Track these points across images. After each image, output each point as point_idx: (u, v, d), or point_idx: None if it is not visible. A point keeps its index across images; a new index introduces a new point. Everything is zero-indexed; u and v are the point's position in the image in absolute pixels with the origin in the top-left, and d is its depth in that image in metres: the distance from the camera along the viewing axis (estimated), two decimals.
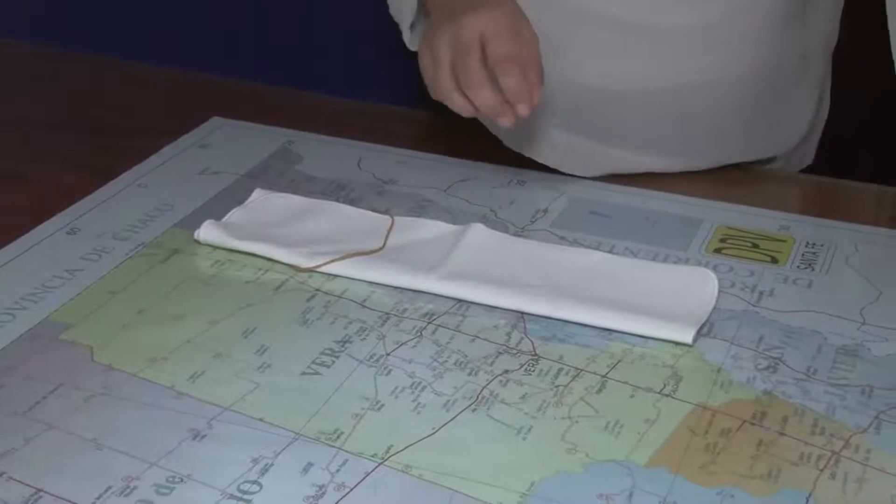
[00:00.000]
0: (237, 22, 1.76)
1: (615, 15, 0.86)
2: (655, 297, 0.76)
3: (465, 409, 0.67)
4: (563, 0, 0.88)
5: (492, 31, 0.78)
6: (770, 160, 0.98)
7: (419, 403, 0.68)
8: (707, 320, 0.74)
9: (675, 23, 0.87)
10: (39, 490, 0.61)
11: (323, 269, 0.80)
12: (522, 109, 0.78)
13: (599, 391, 0.69)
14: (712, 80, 0.89)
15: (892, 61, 0.80)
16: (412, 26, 0.91)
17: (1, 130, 1.07)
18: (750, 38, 0.89)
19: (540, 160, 0.92)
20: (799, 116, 0.97)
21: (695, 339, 0.73)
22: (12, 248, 0.84)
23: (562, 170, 0.92)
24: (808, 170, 1.02)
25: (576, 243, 0.84)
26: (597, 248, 0.83)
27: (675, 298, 0.76)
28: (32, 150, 1.02)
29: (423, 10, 0.89)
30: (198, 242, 0.84)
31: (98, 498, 0.60)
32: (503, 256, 0.81)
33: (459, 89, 0.79)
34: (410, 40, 0.91)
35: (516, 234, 0.85)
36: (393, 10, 0.93)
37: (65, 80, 1.18)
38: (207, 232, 0.84)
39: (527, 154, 0.93)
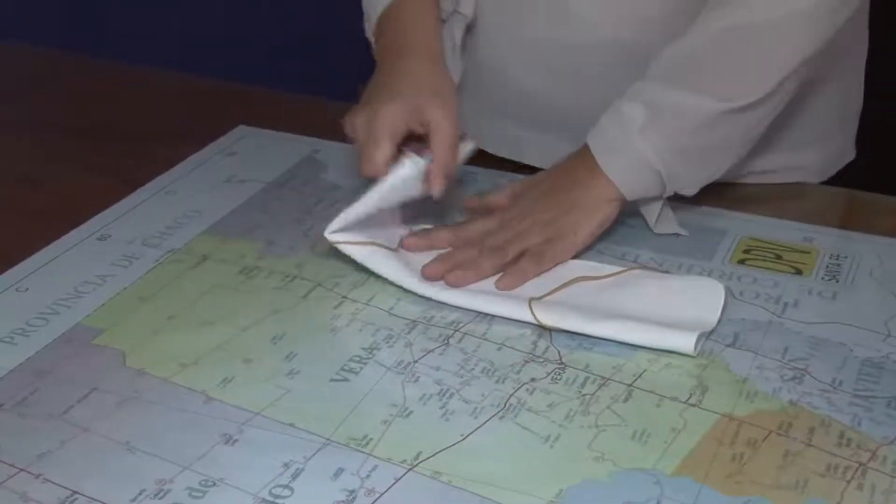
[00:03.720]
0: (264, 30, 1.77)
1: (614, 38, 0.87)
2: (661, 308, 0.76)
3: (492, 417, 0.68)
4: (541, 27, 0.89)
5: (365, 129, 0.81)
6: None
7: (447, 410, 0.69)
8: (714, 330, 0.75)
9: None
10: (75, 492, 0.62)
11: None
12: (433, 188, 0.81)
13: (626, 400, 0.70)
14: None
15: None
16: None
17: (28, 136, 1.08)
18: None
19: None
20: (820, 120, 0.96)
21: (697, 349, 0.73)
22: (44, 253, 0.85)
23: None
24: (845, 178, 1.01)
25: (600, 253, 0.85)
26: (621, 259, 0.84)
27: (681, 310, 0.76)
28: (59, 156, 1.03)
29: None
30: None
31: (132, 500, 0.61)
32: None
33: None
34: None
35: None
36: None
37: (90, 87, 1.20)
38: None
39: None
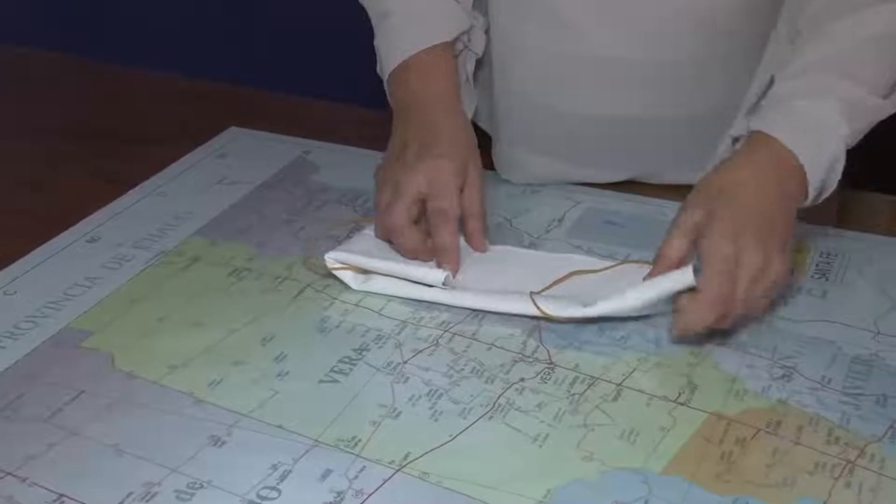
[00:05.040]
0: (254, 31, 1.77)
1: (605, 53, 0.87)
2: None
3: (481, 417, 0.68)
4: (543, 43, 0.89)
5: (429, 187, 0.80)
6: None
7: (436, 411, 0.69)
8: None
9: (677, 57, 0.87)
10: (62, 495, 0.62)
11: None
12: (448, 267, 0.79)
13: (615, 399, 0.70)
14: (719, 108, 0.89)
15: None
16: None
17: (19, 138, 1.08)
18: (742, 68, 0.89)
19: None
20: None
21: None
22: (34, 256, 0.85)
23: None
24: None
25: (591, 252, 0.85)
26: (609, 258, 0.84)
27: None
28: (49, 158, 1.03)
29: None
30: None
31: (120, 503, 0.61)
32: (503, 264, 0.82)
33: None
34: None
35: (531, 244, 0.86)
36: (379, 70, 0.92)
37: (81, 89, 1.20)
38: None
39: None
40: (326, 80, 1.34)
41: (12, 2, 1.81)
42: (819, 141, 0.76)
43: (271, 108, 1.13)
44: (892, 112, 0.79)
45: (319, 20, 1.63)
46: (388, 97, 0.89)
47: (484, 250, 0.83)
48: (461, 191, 0.82)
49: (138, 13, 1.82)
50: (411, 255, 0.81)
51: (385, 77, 0.89)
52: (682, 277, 0.72)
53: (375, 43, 0.90)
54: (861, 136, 0.79)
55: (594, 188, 0.94)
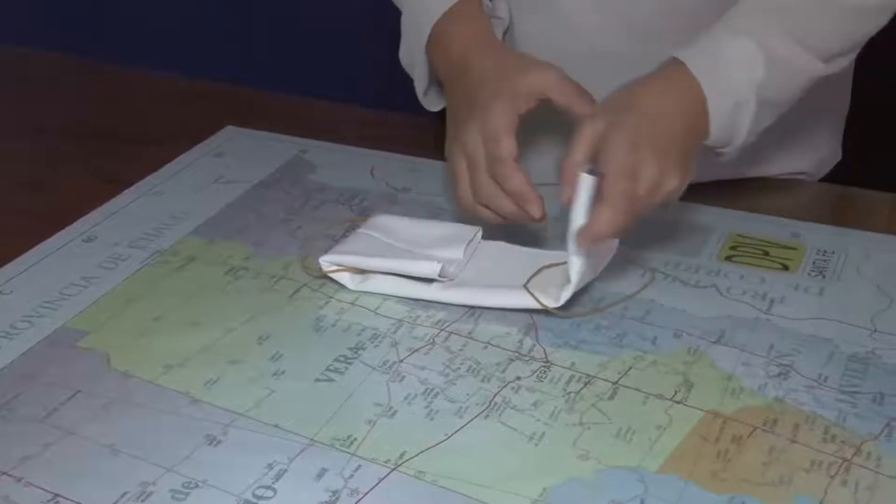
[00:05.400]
0: (251, 31, 1.77)
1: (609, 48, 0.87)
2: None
3: (477, 416, 0.68)
4: (553, 37, 0.88)
5: (483, 135, 0.78)
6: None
7: (432, 410, 0.68)
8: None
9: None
10: (57, 495, 0.62)
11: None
12: (533, 211, 0.77)
13: (611, 398, 0.70)
14: None
15: None
16: (426, 91, 0.90)
17: (17, 138, 1.08)
18: None
19: None
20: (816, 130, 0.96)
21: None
22: (30, 255, 0.85)
23: None
24: (834, 174, 1.01)
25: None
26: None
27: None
28: (47, 158, 1.03)
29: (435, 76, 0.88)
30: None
31: (115, 503, 0.61)
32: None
33: (481, 203, 0.79)
34: (427, 103, 0.91)
35: (530, 243, 0.86)
36: (404, 63, 0.90)
37: (81, 89, 1.20)
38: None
39: None
40: (325, 80, 1.34)
41: (12, 2, 1.81)
42: (728, 78, 0.76)
43: (270, 108, 1.13)
44: (826, 74, 0.78)
45: (318, 20, 1.63)
46: (432, 71, 0.87)
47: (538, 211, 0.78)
48: (516, 126, 0.78)
49: (138, 13, 1.82)
50: (516, 216, 0.78)
51: (423, 45, 0.86)
52: (584, 185, 0.73)
53: (403, 21, 0.88)
54: (789, 95, 0.78)
55: None
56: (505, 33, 0.90)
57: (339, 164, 0.99)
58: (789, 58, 0.76)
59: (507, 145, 0.77)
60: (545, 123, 0.92)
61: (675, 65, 0.76)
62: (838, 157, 1.00)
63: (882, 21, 0.79)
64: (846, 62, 0.81)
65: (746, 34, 0.76)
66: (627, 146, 0.72)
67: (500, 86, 0.79)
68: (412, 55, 0.88)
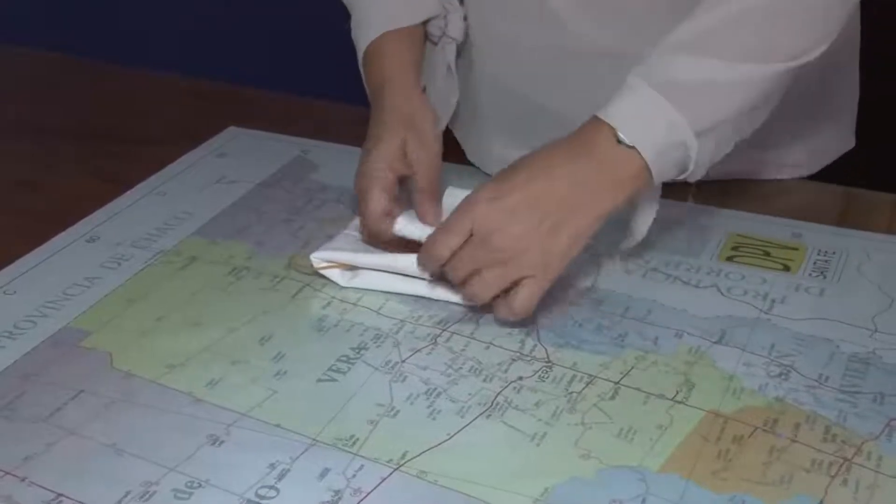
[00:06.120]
0: (254, 30, 1.77)
1: (597, 46, 0.86)
2: None
3: (479, 416, 0.68)
4: (539, 35, 0.88)
5: (387, 177, 0.81)
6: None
7: (434, 410, 0.69)
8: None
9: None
10: (60, 495, 0.62)
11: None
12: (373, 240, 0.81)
13: (612, 398, 0.70)
14: None
15: None
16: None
17: (18, 138, 1.08)
18: None
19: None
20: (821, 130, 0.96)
21: None
22: (33, 255, 0.85)
23: None
24: (840, 173, 1.01)
25: (588, 248, 0.84)
26: (603, 254, 0.83)
27: None
28: (49, 158, 1.03)
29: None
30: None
31: (117, 503, 0.61)
32: None
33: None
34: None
35: None
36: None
37: (81, 88, 1.20)
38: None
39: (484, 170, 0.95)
40: (326, 80, 1.34)
41: (12, 2, 1.81)
42: (647, 125, 0.74)
43: (271, 108, 1.13)
44: (788, 68, 0.75)
45: (319, 20, 1.63)
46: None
47: (434, 221, 0.79)
48: (392, 183, 0.81)
49: (139, 13, 1.82)
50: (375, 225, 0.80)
51: (360, 62, 0.89)
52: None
53: (353, 36, 0.90)
54: (752, 110, 0.75)
55: None
56: (459, 53, 0.91)
57: (341, 164, 0.99)
58: (718, 80, 0.74)
59: (374, 202, 0.80)
60: (525, 117, 0.92)
61: (593, 121, 0.75)
62: (849, 144, 0.99)
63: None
64: (816, 53, 0.76)
65: (643, 84, 0.74)
66: (487, 194, 0.74)
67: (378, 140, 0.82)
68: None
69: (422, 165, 0.82)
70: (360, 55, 0.89)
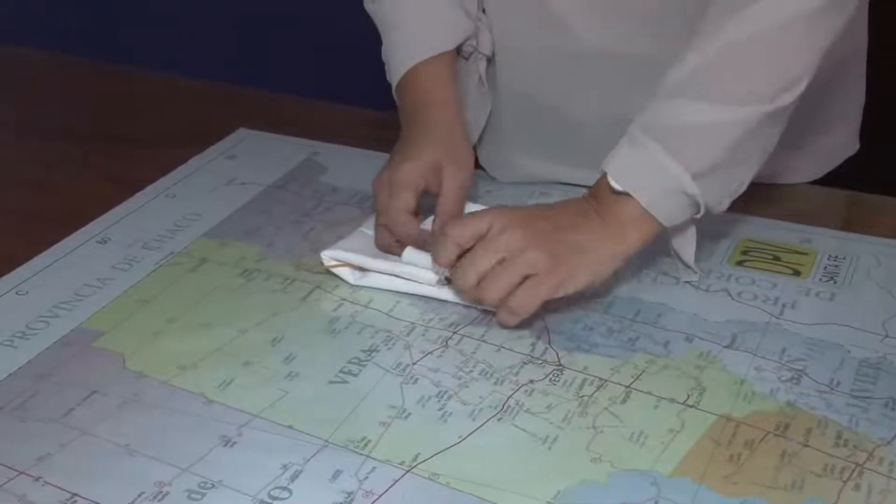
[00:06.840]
0: (265, 33, 1.78)
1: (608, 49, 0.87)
2: None
3: (490, 419, 0.68)
4: (539, 38, 0.89)
5: (417, 180, 0.83)
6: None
7: (445, 412, 0.69)
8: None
9: (667, 54, 0.86)
10: (74, 495, 0.62)
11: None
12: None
13: (624, 401, 0.70)
14: None
15: None
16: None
17: (21, 139, 1.08)
18: None
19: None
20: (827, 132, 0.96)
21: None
22: (45, 256, 0.86)
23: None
24: (847, 177, 1.01)
25: None
26: None
27: None
28: (59, 159, 1.04)
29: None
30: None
31: (131, 503, 0.62)
32: None
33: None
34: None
35: None
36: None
37: (90, 90, 1.20)
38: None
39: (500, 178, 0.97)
40: (337, 82, 1.35)
41: (12, 2, 1.81)
42: (638, 171, 0.76)
43: (280, 110, 1.13)
44: (774, 109, 0.75)
45: (330, 22, 1.63)
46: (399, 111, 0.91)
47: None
48: (421, 190, 0.82)
49: (146, 13, 1.83)
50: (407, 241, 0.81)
51: (393, 89, 0.90)
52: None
53: (383, 54, 0.91)
54: (745, 153, 0.76)
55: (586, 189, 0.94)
56: (489, 64, 0.92)
57: (351, 166, 0.99)
58: (715, 123, 0.74)
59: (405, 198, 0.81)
60: (536, 121, 0.92)
61: (603, 180, 0.77)
62: (853, 149, 0.99)
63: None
64: (802, 86, 0.76)
65: (649, 130, 0.76)
66: (506, 219, 0.76)
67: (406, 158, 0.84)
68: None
69: (450, 191, 0.83)
70: (396, 76, 0.89)
